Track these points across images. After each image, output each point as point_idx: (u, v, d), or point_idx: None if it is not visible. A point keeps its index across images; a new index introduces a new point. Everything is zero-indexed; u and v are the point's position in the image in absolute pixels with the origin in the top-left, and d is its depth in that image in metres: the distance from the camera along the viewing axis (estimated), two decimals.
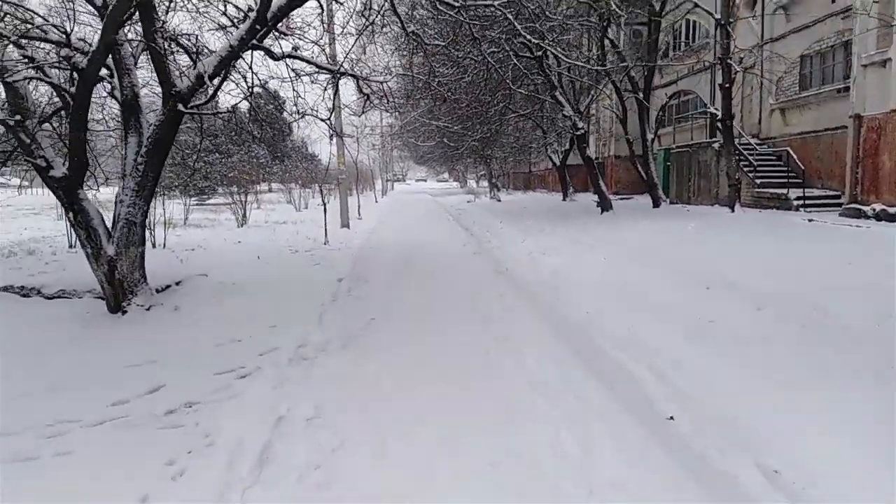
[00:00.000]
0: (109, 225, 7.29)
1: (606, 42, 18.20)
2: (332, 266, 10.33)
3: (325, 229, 13.48)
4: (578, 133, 18.49)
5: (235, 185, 18.03)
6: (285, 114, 15.34)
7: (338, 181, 18.02)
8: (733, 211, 15.93)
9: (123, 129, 7.71)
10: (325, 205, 13.65)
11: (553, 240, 13.39)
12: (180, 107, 7.20)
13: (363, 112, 12.41)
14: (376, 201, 34.77)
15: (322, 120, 10.96)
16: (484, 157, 31.22)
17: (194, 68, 7.42)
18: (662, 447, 3.68)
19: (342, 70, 10.10)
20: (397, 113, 18.47)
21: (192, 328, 6.57)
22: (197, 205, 28.18)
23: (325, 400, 4.51)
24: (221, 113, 8.19)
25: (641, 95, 19.79)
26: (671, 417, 3.98)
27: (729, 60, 15.14)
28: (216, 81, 8.24)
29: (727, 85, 15.21)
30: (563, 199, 27.36)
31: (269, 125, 48.04)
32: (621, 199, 25.59)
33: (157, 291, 7.81)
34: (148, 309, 7.15)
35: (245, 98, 10.13)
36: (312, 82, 10.84)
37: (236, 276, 9.19)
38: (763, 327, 5.79)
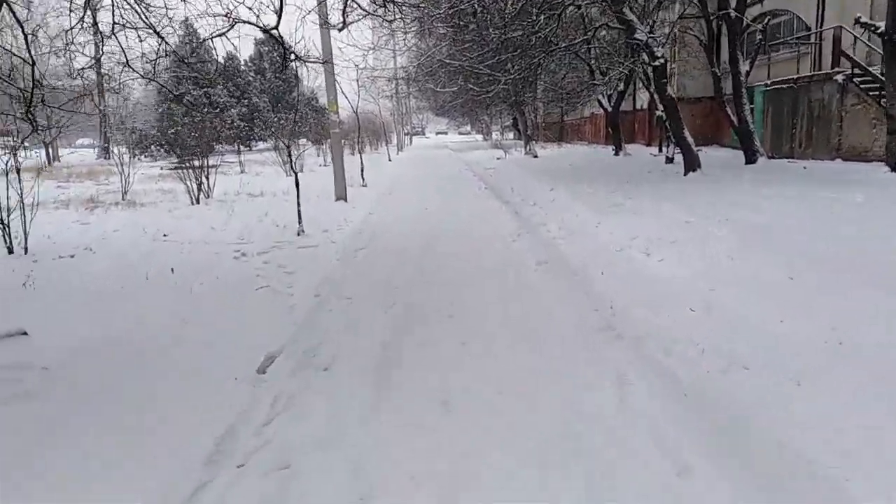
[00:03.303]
0: None
1: None
2: (283, 296, 5.73)
3: (299, 213, 8.81)
4: (655, 65, 13.43)
5: (189, 147, 13.37)
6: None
7: (325, 136, 13.31)
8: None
9: None
10: (296, 175, 8.92)
11: (645, 221, 8.61)
12: None
13: (344, 25, 7.64)
14: (389, 159, 29.84)
15: (264, 30, 6.31)
16: (518, 103, 25.97)
17: None
18: None
19: None
20: (402, 30, 13.64)
21: None
22: (175, 168, 23.73)
23: None
24: None
25: (734, 14, 14.61)
26: None
27: None
28: None
29: None
30: (616, 154, 22.32)
31: (274, 73, 42.91)
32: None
33: None
34: None
35: None
36: None
37: (85, 329, 4.69)
38: None
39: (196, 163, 12.82)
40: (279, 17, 6.19)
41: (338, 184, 13.19)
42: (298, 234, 8.69)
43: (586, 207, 10.37)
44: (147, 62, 6.77)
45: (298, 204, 8.77)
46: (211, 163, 14.60)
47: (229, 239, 8.29)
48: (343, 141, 20.61)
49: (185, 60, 7.41)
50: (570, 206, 10.80)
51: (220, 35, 6.65)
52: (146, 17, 6.51)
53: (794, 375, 3.76)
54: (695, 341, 4.37)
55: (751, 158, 14.98)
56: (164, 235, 8.54)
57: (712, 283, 5.61)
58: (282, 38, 6.39)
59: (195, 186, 12.63)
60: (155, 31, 6.67)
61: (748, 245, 6.66)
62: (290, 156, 8.73)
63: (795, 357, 4.02)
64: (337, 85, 13.16)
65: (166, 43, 6.93)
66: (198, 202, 12.52)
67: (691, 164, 13.76)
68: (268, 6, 6.42)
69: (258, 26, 6.24)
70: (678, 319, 4.82)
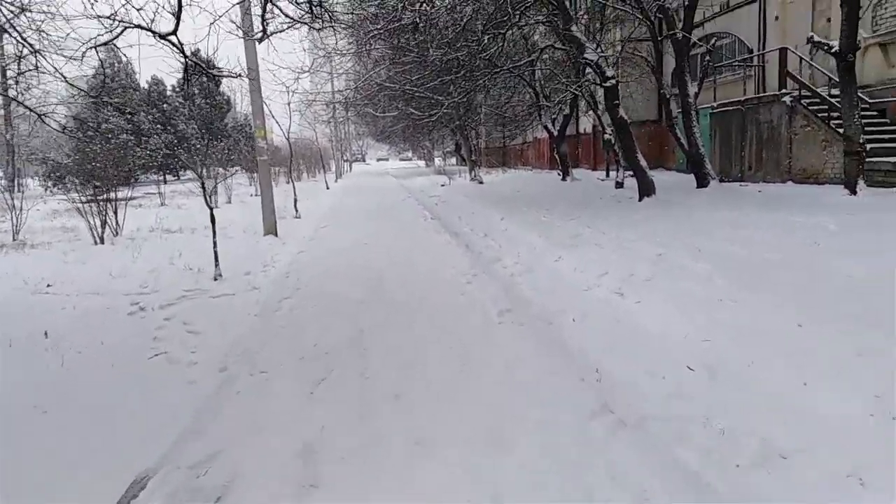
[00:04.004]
0: None
1: None
2: (182, 367, 4.50)
3: (215, 254, 7.56)
4: (607, 85, 12.82)
5: (100, 178, 11.86)
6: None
7: (257, 163, 12.04)
8: (855, 193, 10.54)
9: None
10: (211, 211, 7.66)
11: (610, 254, 7.76)
12: None
13: (265, 34, 6.56)
14: (327, 188, 28.49)
15: (160, 37, 5.16)
16: (461, 127, 25.21)
17: None
18: None
19: None
20: (338, 52, 12.66)
21: None
22: (89, 201, 21.82)
23: None
24: None
25: (681, 34, 14.23)
26: None
27: None
28: None
29: None
30: (563, 179, 21.75)
31: (203, 98, 40.72)
32: (633, 176, 20.19)
33: None
34: None
35: None
36: None
37: None
38: None
39: (102, 196, 11.32)
40: (178, 20, 5.05)
41: (266, 217, 11.93)
42: (215, 279, 7.42)
43: (542, 239, 9.48)
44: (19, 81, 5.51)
45: (214, 244, 7.51)
46: (127, 194, 13.11)
47: (129, 288, 6.94)
48: (276, 169, 19.22)
49: (67, 80, 6.14)
50: (525, 237, 9.90)
51: (108, 42, 5.45)
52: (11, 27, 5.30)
53: (850, 468, 2.87)
54: (708, 418, 3.43)
55: (702, 182, 14.52)
56: (48, 286, 7.12)
57: (705, 331, 4.73)
58: (182, 46, 5.24)
59: (98, 223, 11.12)
60: (26, 42, 5.46)
61: (734, 283, 5.83)
62: (203, 187, 7.46)
63: (839, 438, 3.13)
64: (266, 108, 11.98)
65: (41, 57, 5.69)
66: (101, 241, 11.01)
67: (646, 190, 13.15)
68: (164, 8, 5.26)
69: (151, 31, 5.07)
70: (679, 386, 3.88)
